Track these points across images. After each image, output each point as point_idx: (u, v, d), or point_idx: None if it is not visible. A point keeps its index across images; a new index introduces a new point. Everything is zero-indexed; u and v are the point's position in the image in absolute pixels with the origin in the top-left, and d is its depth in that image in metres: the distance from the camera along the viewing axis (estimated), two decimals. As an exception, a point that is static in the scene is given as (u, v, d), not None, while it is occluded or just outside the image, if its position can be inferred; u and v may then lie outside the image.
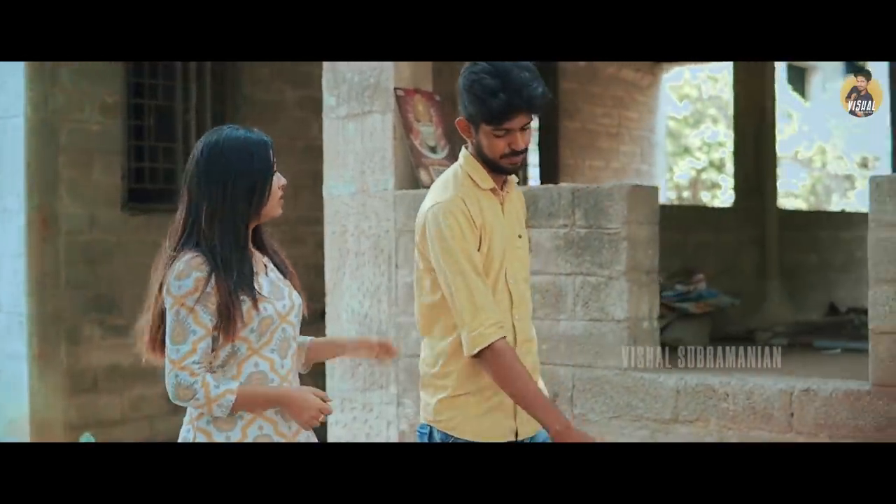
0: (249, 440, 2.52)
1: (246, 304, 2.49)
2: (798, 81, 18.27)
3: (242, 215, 2.51)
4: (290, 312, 2.60)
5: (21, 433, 6.54)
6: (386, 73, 4.78)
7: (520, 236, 2.83)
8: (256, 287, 2.52)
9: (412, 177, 4.75)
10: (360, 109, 4.86)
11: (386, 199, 4.76)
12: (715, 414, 3.99)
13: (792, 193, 15.78)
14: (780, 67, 17.33)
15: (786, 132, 16.57)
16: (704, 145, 16.27)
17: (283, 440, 2.56)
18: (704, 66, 13.14)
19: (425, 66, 4.92)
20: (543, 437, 2.81)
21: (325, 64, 5.00)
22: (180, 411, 2.59)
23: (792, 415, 3.85)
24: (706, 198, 16.26)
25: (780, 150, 16.46)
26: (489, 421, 2.74)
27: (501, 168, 2.75)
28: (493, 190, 2.77)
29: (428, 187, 4.65)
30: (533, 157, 9.52)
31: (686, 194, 16.25)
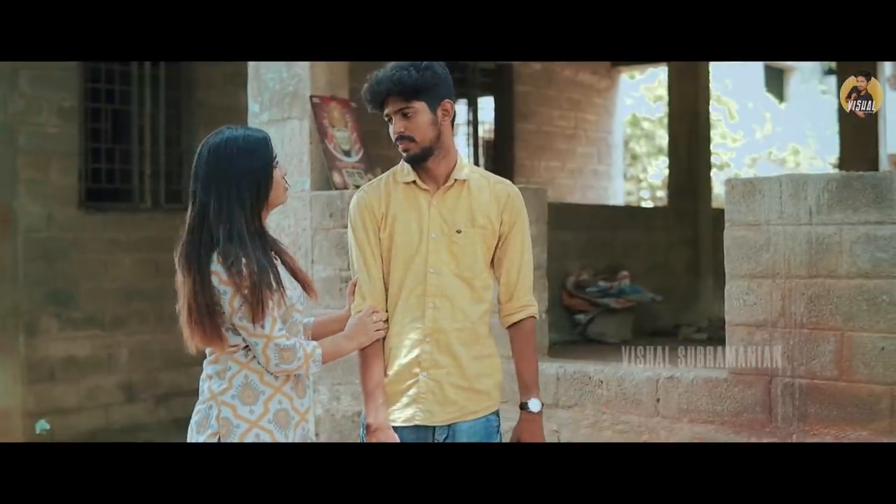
0: (271, 414, 2.64)
1: (276, 294, 2.63)
2: (775, 83, 18.49)
3: (252, 208, 2.64)
4: (298, 300, 2.74)
5: (-19, 420, 6.90)
6: (304, 82, 5.10)
7: (459, 231, 2.85)
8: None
9: (327, 178, 5.07)
10: (280, 116, 5.19)
11: (303, 199, 5.07)
12: (591, 399, 4.29)
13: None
14: (758, 69, 17.57)
15: (759, 133, 16.81)
16: (679, 146, 16.47)
17: (296, 416, 2.70)
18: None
19: (341, 74, 5.23)
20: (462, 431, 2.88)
21: (250, 73, 5.33)
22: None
23: (658, 400, 4.15)
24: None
25: (754, 150, 16.78)
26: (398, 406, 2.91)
27: (404, 157, 2.86)
28: (413, 183, 2.86)
29: (340, 188, 5.02)
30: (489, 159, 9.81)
31: (660, 194, 16.48)
